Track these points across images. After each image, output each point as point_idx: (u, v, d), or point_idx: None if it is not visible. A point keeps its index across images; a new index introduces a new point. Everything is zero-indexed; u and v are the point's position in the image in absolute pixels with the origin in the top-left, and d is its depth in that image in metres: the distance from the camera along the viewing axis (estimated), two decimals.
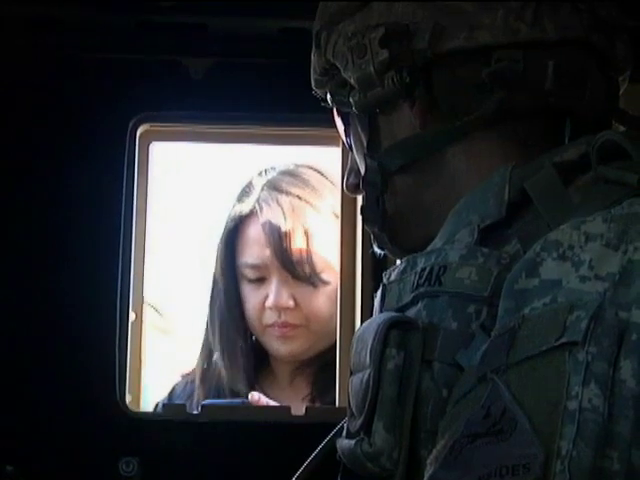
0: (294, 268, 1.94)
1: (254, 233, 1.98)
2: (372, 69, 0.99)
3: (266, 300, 1.96)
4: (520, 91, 0.97)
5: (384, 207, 1.04)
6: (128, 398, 1.68)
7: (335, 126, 1.13)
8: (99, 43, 1.69)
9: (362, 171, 1.06)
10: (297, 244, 1.95)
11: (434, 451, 0.82)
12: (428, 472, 0.81)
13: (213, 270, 2.03)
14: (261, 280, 1.97)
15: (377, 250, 1.11)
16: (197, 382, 1.99)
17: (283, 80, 1.69)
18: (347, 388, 0.95)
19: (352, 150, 1.10)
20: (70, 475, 1.64)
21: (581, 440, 0.73)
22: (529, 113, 0.98)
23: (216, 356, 2.00)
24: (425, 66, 0.98)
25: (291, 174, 2.02)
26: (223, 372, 1.98)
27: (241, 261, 1.99)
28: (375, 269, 1.71)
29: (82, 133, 1.68)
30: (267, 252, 1.96)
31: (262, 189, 1.99)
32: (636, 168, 0.88)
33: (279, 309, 1.95)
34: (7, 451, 1.62)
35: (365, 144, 1.05)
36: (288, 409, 1.73)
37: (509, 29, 0.97)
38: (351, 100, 1.02)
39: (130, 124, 1.69)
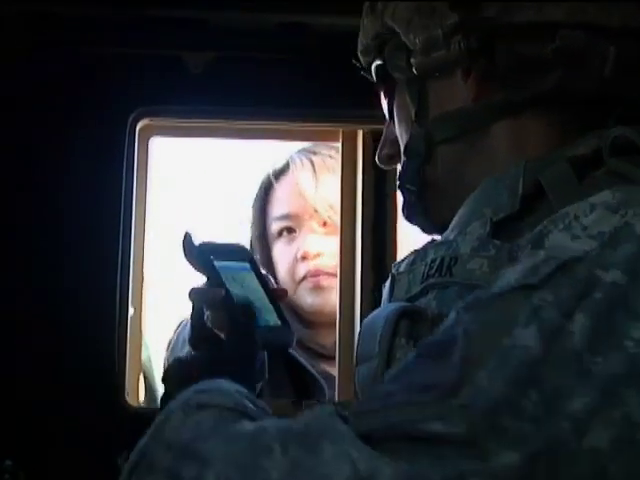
0: (325, 217, 1.96)
1: (285, 187, 2.01)
2: (440, 31, 0.98)
3: (297, 253, 1.98)
4: (579, 73, 0.97)
5: (425, 177, 1.04)
6: (127, 392, 1.68)
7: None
8: (98, 38, 1.69)
9: (404, 141, 1.06)
10: (328, 194, 1.96)
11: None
12: None
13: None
14: (291, 232, 2.00)
15: (406, 220, 1.10)
16: None
17: (283, 75, 1.69)
18: (352, 378, 0.95)
19: (393, 120, 1.09)
20: (69, 469, 1.63)
21: (499, 373, 0.74)
22: (582, 97, 0.98)
23: None
24: (489, 36, 0.98)
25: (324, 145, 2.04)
26: None
27: (272, 217, 2.02)
28: (375, 265, 1.71)
29: (81, 128, 1.68)
30: (299, 201, 1.98)
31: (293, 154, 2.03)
32: None
33: (311, 257, 1.96)
34: (6, 445, 1.62)
35: (413, 112, 1.04)
36: (288, 404, 1.73)
37: (577, 9, 0.96)
38: (412, 61, 1.01)
39: (129, 119, 1.69)
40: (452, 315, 0.81)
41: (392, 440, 0.75)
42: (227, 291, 1.17)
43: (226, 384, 0.94)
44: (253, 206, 2.06)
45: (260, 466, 0.78)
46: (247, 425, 0.84)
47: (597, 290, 0.77)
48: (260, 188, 2.06)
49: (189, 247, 1.20)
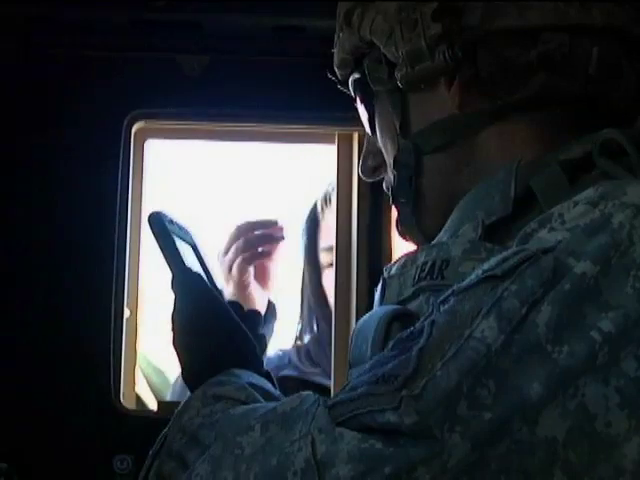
0: None
1: (329, 218, 1.99)
2: (423, 43, 0.97)
3: None
4: (563, 75, 0.97)
5: (416, 188, 1.03)
6: (122, 395, 1.68)
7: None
8: (95, 41, 1.69)
9: (389, 153, 1.06)
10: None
11: None
12: None
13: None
14: None
15: (400, 236, 1.10)
16: None
17: (278, 78, 1.69)
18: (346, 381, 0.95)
19: (375, 132, 1.08)
20: (64, 472, 1.63)
21: (453, 363, 0.76)
22: (568, 98, 0.98)
23: (307, 342, 2.03)
24: (472, 44, 0.97)
25: None
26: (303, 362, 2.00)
27: (320, 247, 2.03)
28: (370, 268, 1.71)
29: (77, 130, 1.68)
30: None
31: None
32: (632, 166, 0.89)
33: None
34: (1, 449, 1.62)
35: (398, 124, 1.03)
36: None
37: (558, 11, 0.96)
38: (397, 74, 1.00)
39: (125, 121, 1.69)
40: (429, 310, 0.82)
41: (356, 430, 0.78)
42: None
43: (244, 376, 1.03)
44: (302, 234, 2.06)
45: (238, 442, 0.85)
46: (241, 408, 0.92)
47: (565, 281, 0.77)
48: (309, 216, 2.06)
49: (159, 223, 1.20)
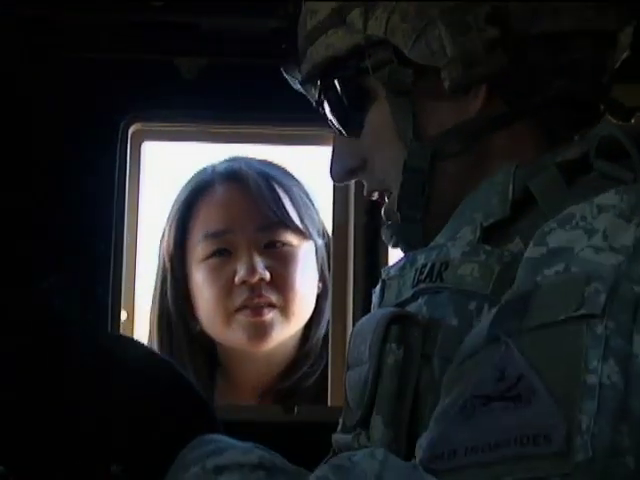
0: (271, 231, 1.77)
1: (216, 199, 1.80)
2: (480, 46, 0.95)
3: (235, 276, 1.74)
4: (582, 79, 0.97)
5: (428, 196, 0.99)
6: None
7: (327, 125, 1.09)
8: (91, 43, 1.69)
9: (387, 158, 1.01)
10: (274, 201, 1.78)
11: (438, 408, 0.80)
12: (432, 429, 0.79)
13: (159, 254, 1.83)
14: (224, 253, 1.77)
15: (393, 246, 1.06)
16: None
17: (275, 80, 1.68)
18: (343, 382, 0.95)
19: (356, 134, 1.04)
20: (61, 476, 1.63)
21: (601, 416, 0.72)
22: (578, 101, 0.98)
23: None
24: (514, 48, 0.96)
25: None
26: None
27: (198, 236, 1.78)
28: (367, 271, 1.71)
29: (74, 132, 1.68)
30: (234, 215, 1.78)
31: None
32: (633, 166, 0.89)
33: (254, 283, 1.73)
34: None
35: (410, 128, 0.99)
36: (279, 408, 1.72)
37: (583, 16, 0.96)
38: (445, 77, 0.95)
39: (122, 123, 1.69)
40: (497, 348, 0.78)
41: None
42: None
43: (223, 438, 0.87)
44: (168, 224, 1.84)
45: None
46: None
47: None
48: (178, 204, 1.83)
49: None
